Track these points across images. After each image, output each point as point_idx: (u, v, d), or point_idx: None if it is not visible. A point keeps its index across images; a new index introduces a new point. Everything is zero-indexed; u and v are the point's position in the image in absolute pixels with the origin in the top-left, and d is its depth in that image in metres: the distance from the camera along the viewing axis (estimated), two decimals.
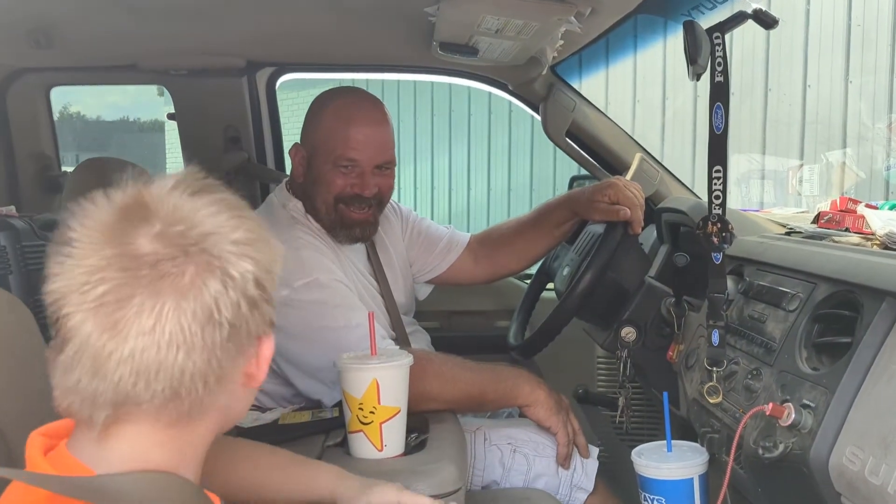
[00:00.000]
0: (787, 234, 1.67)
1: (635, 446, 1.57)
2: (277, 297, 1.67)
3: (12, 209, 2.13)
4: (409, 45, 2.03)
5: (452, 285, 2.11)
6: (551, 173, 6.40)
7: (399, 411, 1.32)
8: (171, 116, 2.39)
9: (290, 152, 1.84)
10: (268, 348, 0.83)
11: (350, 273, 1.79)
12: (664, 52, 5.65)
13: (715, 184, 1.42)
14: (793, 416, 1.17)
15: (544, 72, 2.05)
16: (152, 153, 8.35)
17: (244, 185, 2.37)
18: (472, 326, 2.55)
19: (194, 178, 0.81)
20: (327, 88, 1.87)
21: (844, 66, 5.53)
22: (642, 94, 6.09)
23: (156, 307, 0.73)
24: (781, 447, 1.19)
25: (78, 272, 0.73)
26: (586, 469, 1.76)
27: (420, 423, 1.51)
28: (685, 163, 5.50)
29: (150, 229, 0.75)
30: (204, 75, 2.24)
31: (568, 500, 1.73)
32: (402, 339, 1.84)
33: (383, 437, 1.31)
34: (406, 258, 2.03)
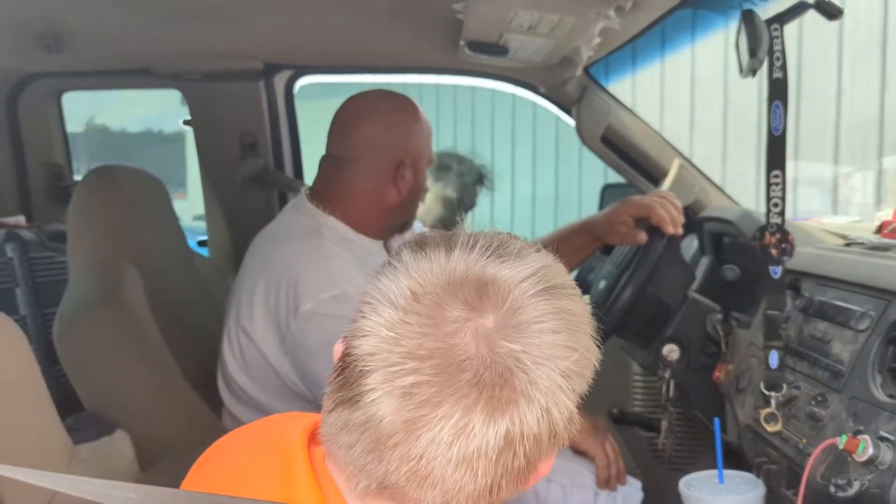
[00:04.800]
0: (848, 245, 1.54)
1: (677, 473, 1.45)
2: (300, 311, 1.54)
3: (21, 219, 2.06)
4: (434, 46, 1.93)
5: None
6: (576, 182, 6.28)
7: None
8: (187, 123, 2.31)
9: (377, 171, 1.64)
10: (549, 466, 0.73)
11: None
12: (692, 55, 5.52)
13: (773, 190, 1.29)
14: (870, 450, 1.05)
15: (578, 73, 1.94)
16: (175, 163, 8.36)
17: (261, 194, 2.28)
18: None
19: (552, 269, 0.70)
20: (362, 92, 1.74)
21: (881, 68, 5.36)
22: (671, 101, 5.95)
23: (461, 422, 0.64)
24: (857, 485, 1.06)
25: (395, 350, 0.65)
26: (627, 499, 1.63)
27: None
28: (714, 168, 5.35)
29: (479, 324, 0.66)
30: (220, 79, 2.15)
31: None
32: None
33: None
34: None
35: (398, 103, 1.70)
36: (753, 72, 1.28)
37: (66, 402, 1.71)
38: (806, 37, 5.50)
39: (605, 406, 2.35)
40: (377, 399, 0.66)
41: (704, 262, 2.03)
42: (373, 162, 1.64)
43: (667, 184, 2.17)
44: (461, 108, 6.93)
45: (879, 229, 1.55)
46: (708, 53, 5.15)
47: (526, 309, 0.67)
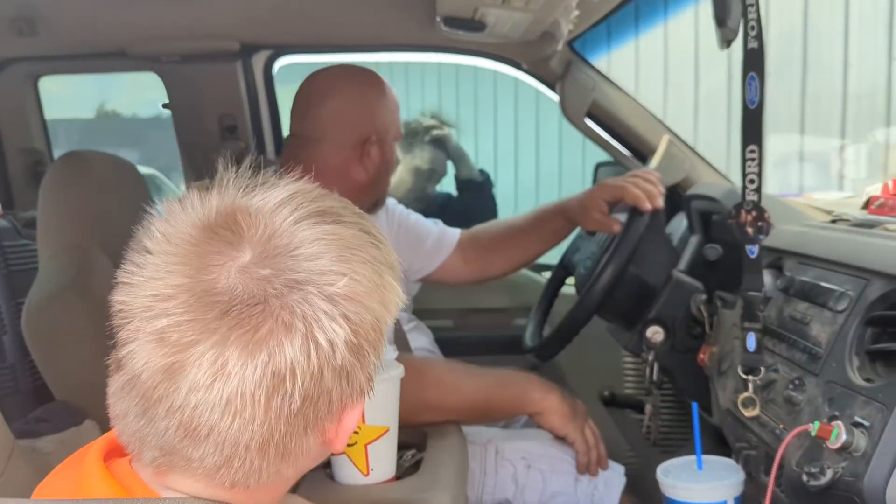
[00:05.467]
0: (833, 221, 1.48)
1: (669, 453, 1.41)
2: None
3: None
4: (411, 22, 1.88)
5: (437, 284, 1.98)
6: (580, 164, 6.19)
7: (387, 431, 1.17)
8: (165, 106, 2.26)
9: (342, 147, 1.61)
10: (352, 418, 0.69)
11: None
12: (696, 25, 5.42)
13: (749, 166, 1.24)
14: (843, 436, 1.00)
15: (559, 48, 1.88)
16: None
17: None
18: (490, 325, 2.39)
19: (310, 197, 0.67)
20: (324, 68, 1.71)
21: (887, 42, 5.24)
22: (675, 75, 5.85)
23: (217, 361, 0.60)
24: (830, 473, 1.01)
25: (142, 293, 0.63)
26: (609, 486, 1.60)
27: (418, 439, 1.36)
28: (719, 146, 5.26)
29: (234, 259, 0.62)
30: (196, 61, 2.11)
31: None
32: (399, 339, 1.68)
33: (369, 461, 1.15)
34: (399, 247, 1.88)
35: (362, 78, 1.66)
36: (728, 42, 1.22)
37: (40, 392, 1.69)
38: (812, 9, 5.39)
39: (595, 388, 2.32)
40: (134, 350, 0.63)
41: (693, 242, 1.98)
42: (338, 139, 1.60)
43: (655, 161, 2.11)
44: (464, 89, 6.85)
45: (866, 205, 1.49)
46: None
47: (282, 235, 0.64)
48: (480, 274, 1.96)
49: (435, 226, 1.94)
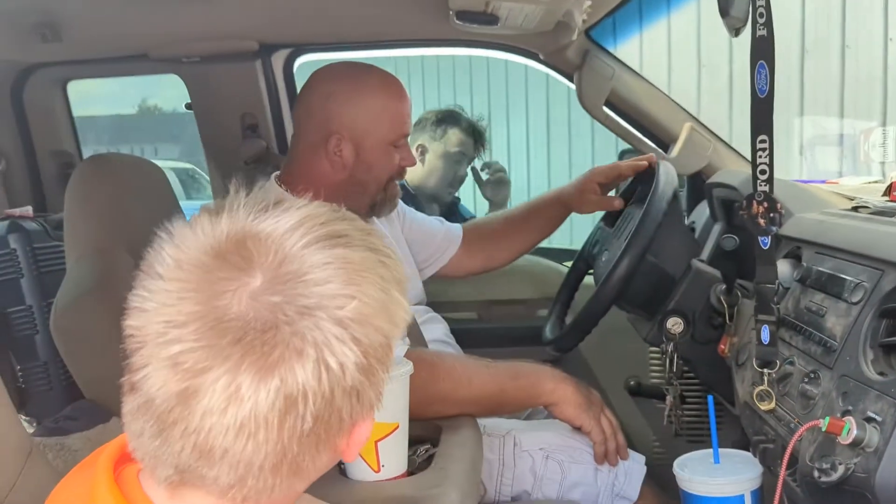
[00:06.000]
0: (854, 209, 1.45)
1: (695, 445, 1.40)
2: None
3: (28, 210, 2.08)
4: (425, 17, 1.88)
5: (443, 278, 2.04)
6: (590, 153, 6.13)
7: (397, 427, 1.18)
8: (188, 107, 2.30)
9: (314, 147, 1.61)
10: (363, 430, 0.71)
11: None
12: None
13: (760, 156, 1.22)
14: (855, 432, 0.98)
15: (575, 37, 1.86)
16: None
17: (265, 175, 2.27)
18: (513, 316, 2.39)
19: (320, 221, 0.67)
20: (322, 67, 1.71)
21: None
22: (707, 58, 5.74)
23: (231, 386, 0.62)
24: (841, 469, 1.00)
25: (155, 319, 0.64)
26: (630, 475, 1.59)
27: (433, 432, 1.37)
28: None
29: (246, 285, 0.63)
30: (216, 61, 2.14)
31: None
32: (413, 333, 1.69)
33: (380, 457, 1.16)
34: (403, 245, 1.90)
35: (343, 75, 1.64)
36: (736, 31, 1.20)
37: (73, 390, 1.74)
38: None
39: (622, 378, 2.31)
40: (148, 374, 0.64)
41: (716, 230, 1.95)
42: (307, 135, 1.62)
43: (677, 148, 2.09)
44: (477, 81, 6.81)
45: (888, 191, 1.46)
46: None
47: (293, 260, 0.64)
48: (484, 265, 2.02)
49: (440, 223, 1.98)
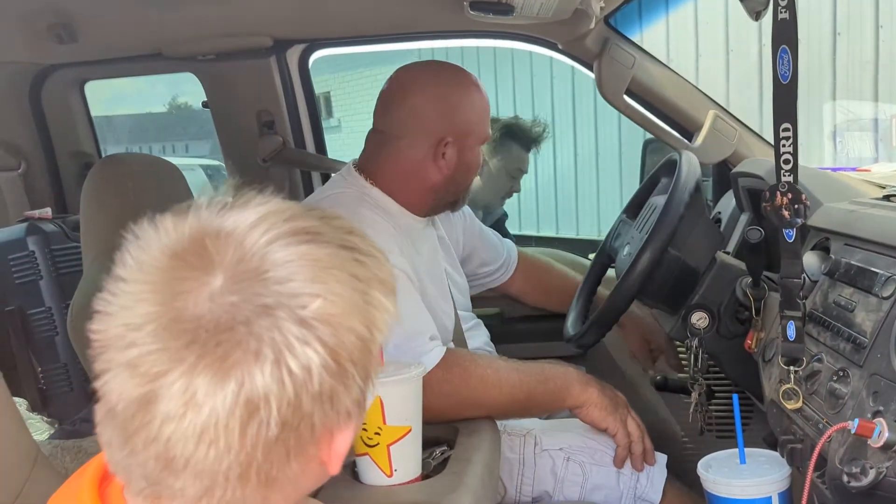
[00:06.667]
0: (885, 198, 1.39)
1: (725, 439, 1.35)
2: None
3: (47, 211, 2.09)
4: (440, 8, 1.84)
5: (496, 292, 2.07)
6: (617, 142, 6.03)
7: (409, 430, 1.15)
8: (205, 105, 2.29)
9: (419, 147, 1.56)
10: (343, 441, 0.66)
11: (426, 260, 1.62)
12: None
13: (784, 145, 1.17)
14: (886, 434, 0.94)
15: (593, 25, 1.81)
16: None
17: (282, 172, 2.25)
18: (537, 312, 2.35)
19: (283, 217, 0.64)
20: (413, 63, 1.66)
21: None
22: (735, 42, 5.62)
23: (187, 390, 0.59)
24: (872, 474, 0.95)
25: (115, 322, 0.62)
26: (652, 478, 1.55)
27: (450, 434, 1.34)
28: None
29: (206, 285, 0.61)
30: (230, 58, 2.12)
31: None
32: (458, 338, 1.67)
33: (392, 462, 1.14)
34: (461, 249, 1.87)
35: (446, 76, 1.61)
36: (757, 14, 1.15)
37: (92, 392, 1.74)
38: None
39: (648, 372, 2.26)
40: (109, 380, 0.61)
41: (743, 221, 1.89)
42: (414, 137, 1.55)
43: (701, 137, 2.03)
44: (501, 72, 6.75)
45: None
46: None
47: (252, 258, 0.61)
48: (534, 303, 2.11)
49: (498, 239, 2.00)
